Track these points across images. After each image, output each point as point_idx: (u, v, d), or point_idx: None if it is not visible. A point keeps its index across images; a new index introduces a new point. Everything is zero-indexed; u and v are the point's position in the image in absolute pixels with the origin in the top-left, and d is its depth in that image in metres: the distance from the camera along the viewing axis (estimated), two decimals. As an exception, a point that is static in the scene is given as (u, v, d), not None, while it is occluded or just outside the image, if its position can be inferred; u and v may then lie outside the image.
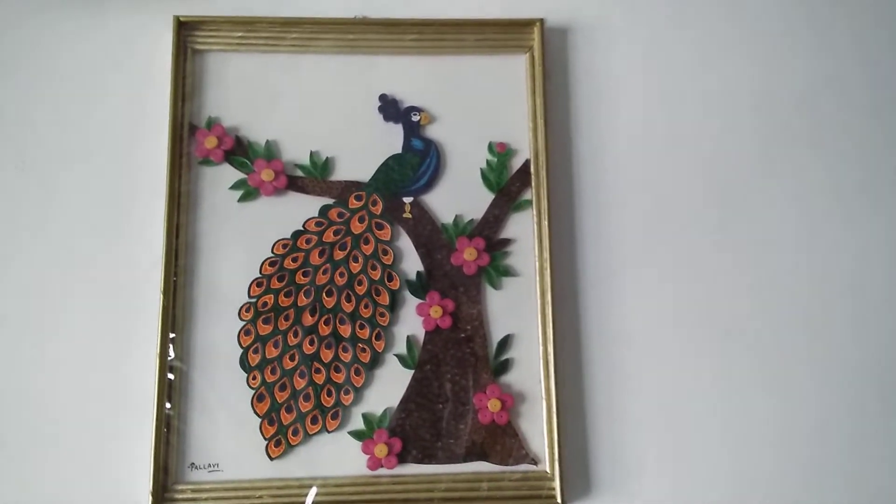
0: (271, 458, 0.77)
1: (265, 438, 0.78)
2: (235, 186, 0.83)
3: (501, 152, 0.86)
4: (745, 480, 0.81)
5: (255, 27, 0.85)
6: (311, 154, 0.84)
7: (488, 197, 0.85)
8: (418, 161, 0.84)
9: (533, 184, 0.85)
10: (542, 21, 0.87)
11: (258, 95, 0.85)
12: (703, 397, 0.83)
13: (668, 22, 0.91)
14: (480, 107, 0.86)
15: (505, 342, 0.81)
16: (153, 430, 0.76)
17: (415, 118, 0.85)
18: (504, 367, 0.81)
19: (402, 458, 0.78)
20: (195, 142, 0.83)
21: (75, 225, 0.82)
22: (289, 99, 0.85)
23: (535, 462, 0.79)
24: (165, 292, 0.79)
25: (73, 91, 0.85)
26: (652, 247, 0.86)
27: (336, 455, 0.78)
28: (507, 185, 0.85)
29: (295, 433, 0.78)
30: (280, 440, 0.78)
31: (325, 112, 0.85)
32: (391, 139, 0.85)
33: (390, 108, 0.86)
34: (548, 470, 0.78)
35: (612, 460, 0.80)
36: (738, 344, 0.84)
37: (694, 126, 0.89)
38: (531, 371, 0.81)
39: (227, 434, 0.78)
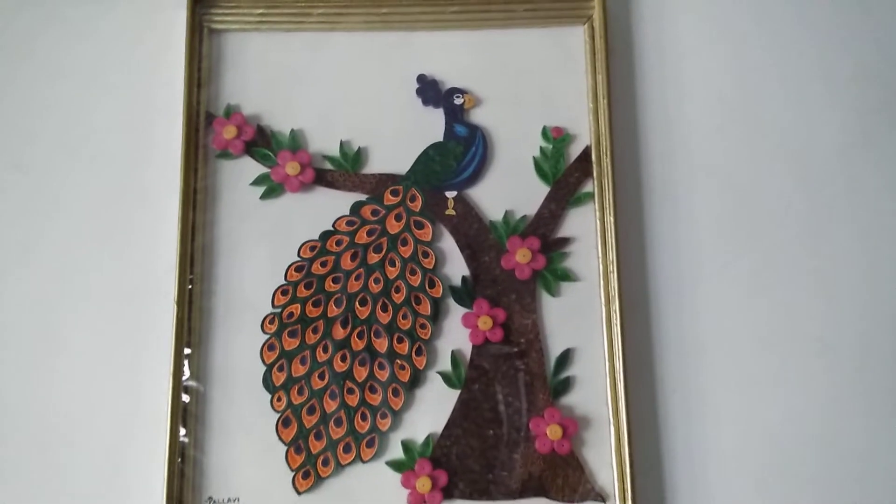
0: (299, 493, 0.68)
1: (292, 469, 0.69)
2: (257, 182, 0.74)
3: (557, 138, 0.74)
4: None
5: (277, 3, 0.76)
6: (342, 144, 0.75)
7: (543, 190, 0.74)
8: (462, 150, 0.74)
9: (595, 174, 0.73)
10: (603, -14, 0.75)
11: (281, 79, 0.76)
12: (795, 421, 0.71)
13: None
14: (532, 87, 0.76)
15: (565, 358, 0.71)
16: (166, 459, 0.67)
17: (458, 101, 0.75)
18: (565, 386, 0.70)
19: (448, 493, 0.68)
20: (212, 132, 0.74)
21: (79, 227, 0.74)
22: (316, 83, 0.76)
23: (602, 498, 0.68)
24: (179, 302, 0.70)
25: (77, 79, 0.77)
26: (733, 247, 0.74)
27: (372, 489, 0.68)
28: (565, 176, 0.74)
29: (325, 463, 0.69)
30: (308, 471, 0.69)
31: (356, 97, 0.76)
32: (431, 126, 0.75)
33: (430, 91, 0.75)
34: (618, 508, 0.67)
35: (692, 495, 0.69)
36: (831, 359, 0.72)
37: (778, 108, 0.77)
38: (596, 391, 0.70)
39: (249, 464, 0.69)
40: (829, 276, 0.74)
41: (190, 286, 0.71)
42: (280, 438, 0.69)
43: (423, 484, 0.68)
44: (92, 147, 0.76)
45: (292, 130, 0.75)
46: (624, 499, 0.67)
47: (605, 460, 0.69)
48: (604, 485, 0.69)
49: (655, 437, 0.70)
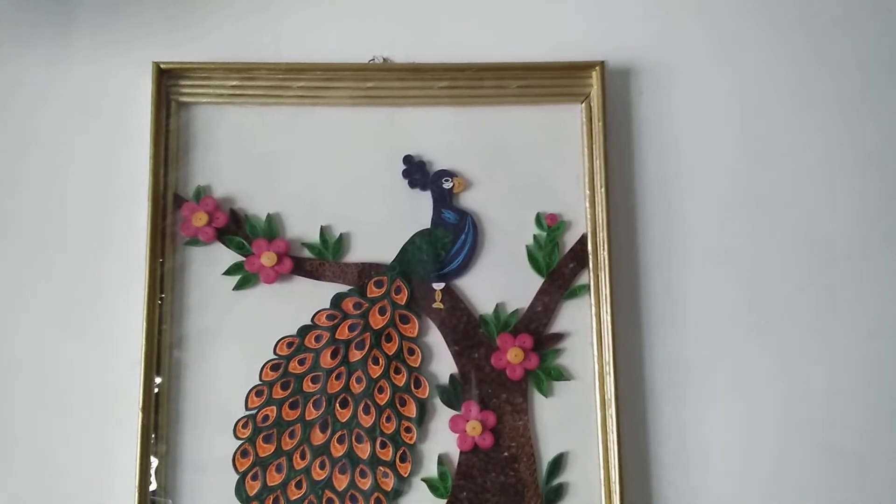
0: None
1: (267, 587, 0.64)
2: (230, 272, 0.69)
3: (552, 226, 0.70)
4: None
5: (252, 75, 0.70)
6: (322, 230, 0.70)
7: (536, 281, 0.70)
8: (451, 238, 0.69)
9: (591, 265, 0.69)
10: (602, 64, 0.71)
11: (257, 158, 0.71)
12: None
13: (755, 64, 0.75)
14: (526, 169, 0.71)
15: (558, 463, 0.67)
16: (130, 581, 0.62)
17: (446, 185, 0.70)
18: (557, 494, 0.67)
19: None
20: (181, 217, 0.69)
21: (35, 320, 0.69)
22: (294, 163, 0.71)
23: None
24: (145, 408, 0.65)
25: (31, 156, 0.71)
26: (737, 345, 0.71)
27: None
28: (560, 267, 0.70)
29: (303, 580, 0.64)
30: (285, 589, 0.64)
31: (338, 178, 0.71)
32: (418, 210, 0.70)
33: (417, 173, 0.71)
34: None
35: None
36: (836, 462, 0.69)
37: (786, 192, 0.73)
38: (591, 499, 0.67)
39: (221, 582, 0.64)
40: (836, 374, 0.70)
41: (156, 389, 0.66)
42: (254, 553, 0.65)
43: None
44: (49, 230, 0.70)
45: (269, 215, 0.70)
46: None
47: (599, 574, 0.66)
48: None
49: (651, 550, 0.67)
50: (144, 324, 0.66)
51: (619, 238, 0.71)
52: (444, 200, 0.71)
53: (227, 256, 0.69)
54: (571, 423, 0.68)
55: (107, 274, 0.69)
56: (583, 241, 0.71)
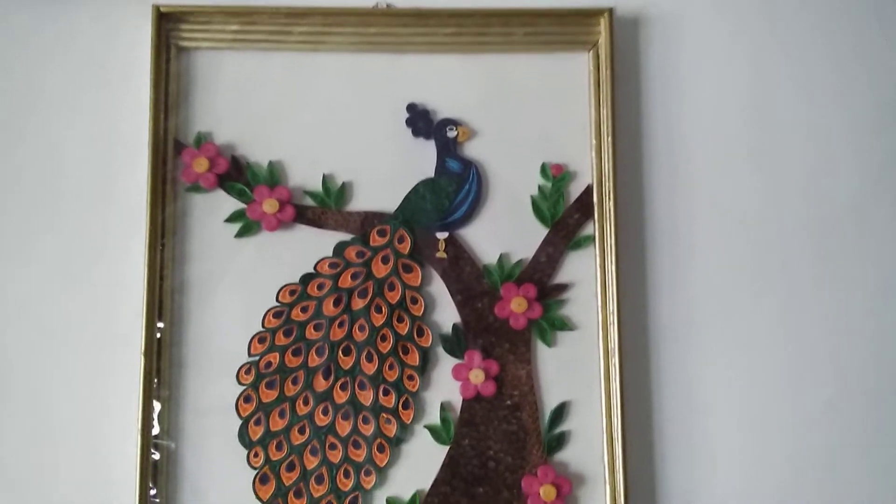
0: (278, 554, 0.64)
1: (270, 530, 0.65)
2: (232, 219, 0.68)
3: (557, 176, 0.69)
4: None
5: (253, 19, 0.69)
6: (324, 179, 0.69)
7: (541, 232, 0.69)
8: (455, 187, 0.69)
9: (596, 216, 0.69)
10: (611, 10, 0.69)
11: (258, 105, 0.70)
12: (803, 484, 0.68)
13: (765, 15, 0.73)
14: (532, 119, 0.70)
15: (560, 412, 0.67)
16: (135, 521, 0.62)
17: (451, 133, 0.69)
18: (559, 442, 0.67)
19: (436, 555, 0.65)
20: (181, 164, 0.68)
21: (36, 269, 0.68)
22: (296, 109, 0.70)
23: (596, 560, 0.65)
24: (147, 353, 0.65)
25: (30, 103, 0.70)
26: (742, 295, 0.70)
27: (356, 550, 0.65)
28: (564, 218, 0.69)
29: (306, 523, 0.65)
30: (288, 532, 0.65)
31: (340, 126, 0.70)
32: (422, 159, 0.69)
33: (421, 121, 0.69)
34: (612, 570, 0.65)
35: (689, 555, 0.67)
36: (840, 419, 0.69)
37: (793, 144, 0.72)
38: (592, 448, 0.67)
39: (225, 525, 0.64)
40: (841, 327, 0.70)
41: (158, 334, 0.66)
42: (257, 497, 0.65)
43: (409, 546, 0.64)
44: (48, 179, 0.69)
45: (270, 163, 0.69)
46: (618, 561, 0.65)
47: (600, 520, 0.66)
48: (597, 547, 0.66)
49: (652, 498, 0.68)
50: (146, 270, 0.66)
51: (625, 189, 0.70)
52: (448, 149, 0.70)
53: (228, 203, 0.68)
54: (574, 373, 0.68)
55: (108, 220, 0.68)
56: (588, 191, 0.70)
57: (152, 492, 0.64)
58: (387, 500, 0.66)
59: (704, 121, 0.72)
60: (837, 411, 0.69)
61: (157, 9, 0.68)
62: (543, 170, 0.70)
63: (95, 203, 0.69)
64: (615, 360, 0.67)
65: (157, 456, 0.65)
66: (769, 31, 0.73)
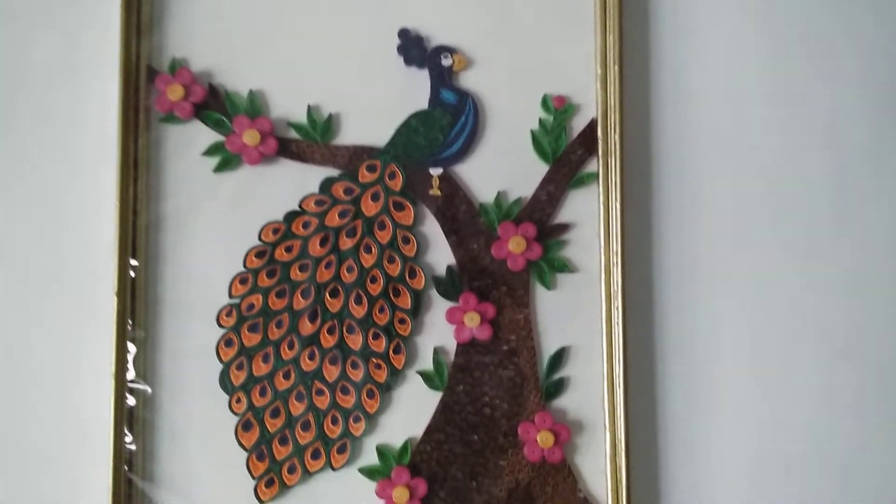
0: (262, 502, 0.62)
1: (254, 477, 0.62)
2: (210, 152, 0.64)
3: (559, 109, 0.65)
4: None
5: (231, -67, 0.63)
6: (310, 110, 0.64)
7: (541, 168, 0.65)
8: (450, 120, 0.64)
9: (600, 151, 0.65)
10: (619, -72, 0.64)
11: (239, 29, 0.65)
12: (807, 430, 0.66)
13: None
14: (533, 47, 0.66)
15: (559, 357, 0.64)
16: (110, 468, 0.60)
17: (446, 62, 0.65)
18: (558, 388, 0.64)
19: (428, 503, 0.62)
20: (155, 91, 0.63)
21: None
22: (279, 34, 0.65)
23: (595, 510, 0.63)
24: (120, 293, 0.61)
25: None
26: (751, 237, 0.67)
27: (344, 499, 0.62)
28: (566, 154, 0.65)
29: (291, 471, 0.62)
30: (273, 479, 0.62)
31: (327, 53, 0.65)
32: (415, 90, 0.65)
33: (413, 49, 0.65)
34: (611, 519, 0.62)
35: (690, 505, 0.64)
36: (854, 363, 0.66)
37: (809, 80, 0.68)
38: (592, 395, 0.64)
39: (206, 472, 0.62)
40: (856, 272, 0.67)
41: (132, 273, 0.62)
42: (240, 444, 0.62)
43: (400, 494, 0.62)
44: (9, 105, 0.64)
45: (251, 91, 0.64)
46: (617, 510, 0.62)
47: (599, 468, 0.63)
48: (597, 495, 0.63)
49: (654, 445, 0.65)
50: (118, 204, 0.61)
51: (632, 122, 0.66)
52: (443, 79, 0.65)
53: (205, 135, 0.64)
54: (574, 317, 0.65)
55: (76, 152, 0.64)
56: (592, 125, 0.66)
57: (128, 438, 0.61)
58: (377, 448, 0.63)
59: (717, 49, 0.67)
60: (854, 359, 0.66)
61: (125, -80, 0.62)
62: (545, 102, 0.66)
63: (62, 133, 0.64)
64: (618, 304, 0.63)
65: (132, 401, 0.61)
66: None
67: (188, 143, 0.63)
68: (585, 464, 0.64)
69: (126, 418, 0.61)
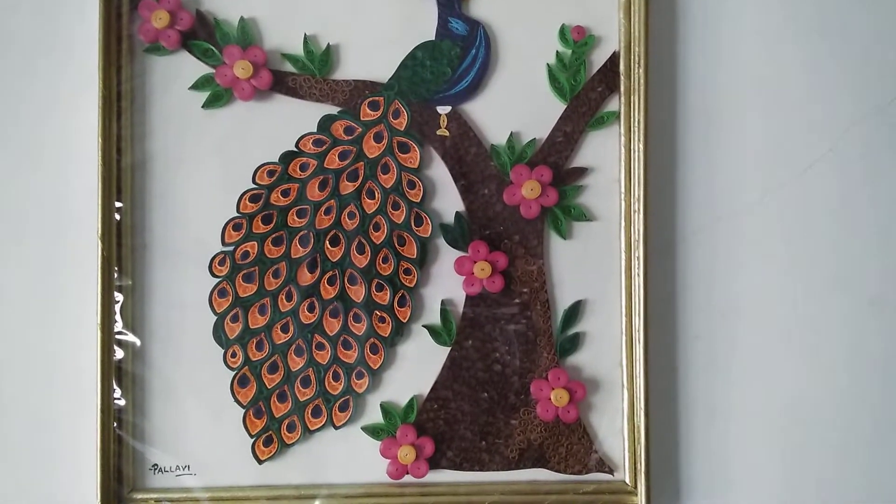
0: (260, 461, 0.58)
1: (251, 435, 0.58)
2: (198, 86, 0.59)
3: (578, 41, 0.60)
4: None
5: None
6: (306, 40, 0.59)
7: (558, 107, 0.60)
8: (459, 53, 0.59)
9: (622, 88, 0.59)
10: None
11: (227, -51, 0.59)
12: (835, 390, 0.62)
13: None
14: (550, -28, 0.60)
15: (575, 311, 0.60)
16: (98, 424, 0.56)
17: (455, -12, 0.59)
18: (573, 344, 0.60)
19: (435, 464, 0.59)
20: (138, 17, 0.58)
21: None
22: (272, -44, 0.59)
23: (610, 471, 0.59)
24: (105, 237, 0.57)
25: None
26: (779, 183, 0.63)
27: (346, 458, 0.59)
28: (585, 90, 0.60)
29: (291, 428, 0.59)
30: (271, 437, 0.59)
31: (324, -23, 0.59)
32: (420, 19, 0.60)
33: (420, -27, 0.59)
34: (628, 481, 0.59)
35: (710, 468, 0.62)
36: (881, 321, 0.62)
37: (843, 22, 0.62)
38: (609, 351, 0.60)
39: (200, 429, 0.59)
40: (886, 223, 0.62)
41: (117, 216, 0.57)
42: (236, 400, 0.59)
43: (406, 453, 0.58)
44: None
45: (242, 19, 0.59)
46: (635, 471, 0.59)
47: (616, 427, 0.60)
48: (613, 456, 0.60)
49: (672, 404, 0.61)
50: (100, 141, 0.57)
51: (657, 57, 0.61)
52: (452, 7, 0.60)
53: (194, 67, 0.59)
54: (592, 268, 0.60)
55: (55, 85, 0.59)
56: (614, 59, 0.60)
57: (116, 393, 0.57)
58: (381, 405, 0.59)
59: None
60: (888, 309, 0.62)
61: None
62: (562, 33, 0.60)
63: (40, 65, 0.59)
64: (639, 254, 0.59)
65: (120, 354, 0.57)
66: None
67: (175, 75, 0.59)
68: (602, 424, 0.60)
69: (114, 372, 0.57)
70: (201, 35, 0.59)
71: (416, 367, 0.60)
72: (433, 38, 0.60)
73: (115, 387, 0.57)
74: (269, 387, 0.59)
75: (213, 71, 0.58)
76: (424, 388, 0.60)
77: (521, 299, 0.60)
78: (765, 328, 0.62)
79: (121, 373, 0.57)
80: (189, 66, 0.59)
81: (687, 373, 0.62)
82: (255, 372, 0.59)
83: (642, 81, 0.59)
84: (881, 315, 0.62)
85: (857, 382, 0.62)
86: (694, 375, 0.62)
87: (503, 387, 0.60)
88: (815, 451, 0.62)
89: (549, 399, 0.59)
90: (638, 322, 0.59)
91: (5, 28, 0.59)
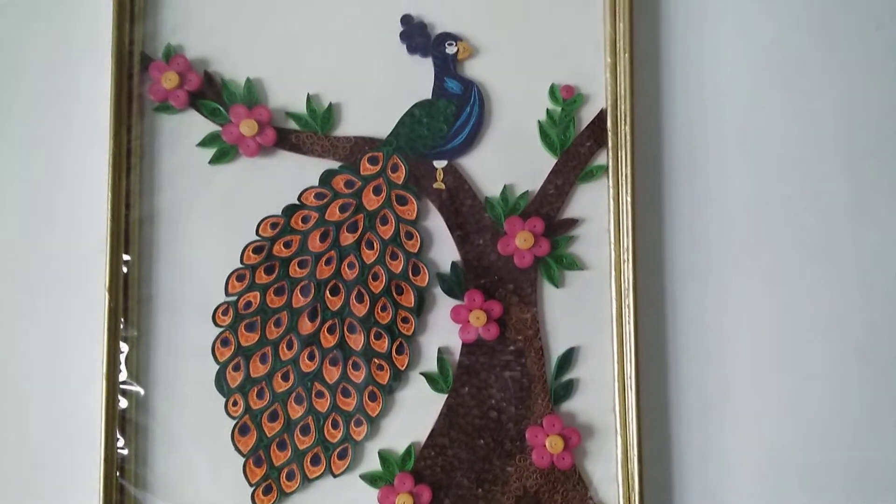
0: (259, 509, 0.59)
1: (251, 484, 0.59)
2: (206, 143, 0.61)
3: (567, 99, 0.63)
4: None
5: (228, -84, 0.61)
6: (309, 99, 0.62)
7: (549, 161, 0.63)
8: (455, 110, 0.62)
9: (610, 143, 0.62)
10: (630, -89, 0.62)
11: (236, 15, 0.62)
12: (823, 433, 0.63)
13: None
14: (540, 35, 0.63)
15: (568, 358, 0.62)
16: (100, 474, 0.57)
17: (450, 50, 0.62)
18: (567, 391, 0.62)
19: (432, 511, 0.59)
20: (149, 79, 0.61)
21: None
22: (278, 21, 0.63)
23: (606, 516, 0.60)
24: (112, 289, 0.58)
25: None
26: (763, 234, 0.65)
27: (345, 506, 0.59)
28: (575, 146, 0.63)
29: (290, 477, 0.59)
30: (271, 486, 0.59)
31: (327, 40, 0.63)
32: (418, 79, 0.63)
33: (417, 36, 0.62)
34: (623, 527, 0.60)
35: (705, 512, 0.62)
36: (867, 363, 0.64)
37: (825, 68, 0.65)
38: (603, 397, 0.61)
39: (201, 478, 0.59)
40: (870, 270, 0.65)
41: (125, 269, 0.59)
42: (237, 449, 0.59)
43: (404, 501, 0.59)
44: (2, 91, 0.62)
45: (248, 80, 0.62)
46: (629, 517, 0.60)
47: (610, 474, 0.61)
48: (607, 502, 0.61)
49: (667, 451, 0.63)
50: (110, 196, 0.59)
51: (642, 114, 0.64)
52: (448, 68, 0.63)
53: (201, 125, 0.61)
54: (584, 316, 0.62)
55: (68, 142, 0.62)
56: (601, 116, 0.63)
57: (119, 443, 0.58)
58: (379, 453, 0.60)
59: (730, 38, 0.65)
60: (869, 355, 0.64)
61: None
62: (552, 92, 0.63)
63: (54, 122, 0.62)
64: (629, 302, 0.61)
65: (124, 403, 0.59)
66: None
67: (183, 133, 0.61)
68: (596, 470, 0.61)
69: (118, 421, 0.58)
70: (209, 95, 0.61)
71: (414, 414, 0.61)
72: (430, 97, 0.63)
73: (118, 436, 0.58)
74: (269, 435, 0.60)
75: (220, 129, 0.61)
76: (422, 436, 0.61)
77: (515, 346, 0.62)
78: (754, 375, 0.64)
79: (124, 422, 0.58)
80: (197, 124, 0.61)
81: (679, 419, 0.63)
82: (255, 420, 0.60)
83: (628, 137, 0.62)
84: (865, 362, 0.64)
85: (842, 427, 0.64)
86: (686, 421, 0.63)
87: (499, 433, 0.61)
88: (803, 495, 0.63)
89: (545, 446, 0.60)
90: (629, 368, 0.61)
91: (24, 86, 0.62)
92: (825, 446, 0.63)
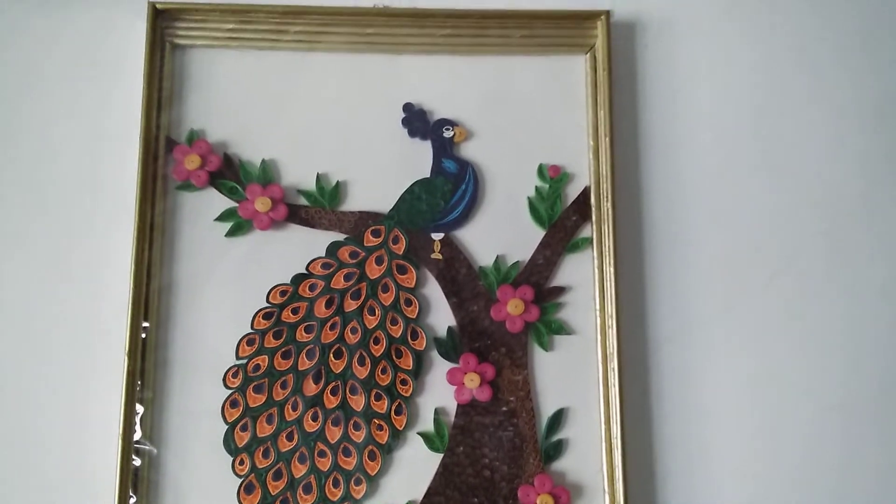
0: (262, 567, 0.61)
1: (255, 541, 0.62)
2: (223, 217, 0.67)
3: (554, 177, 0.69)
4: None
5: (249, 17, 0.68)
6: (318, 178, 0.68)
7: (538, 234, 0.68)
8: (451, 187, 0.68)
9: (593, 218, 0.68)
10: (608, 13, 0.69)
11: (252, 103, 0.69)
12: (810, 492, 0.66)
13: (762, 19, 0.73)
14: (529, 120, 0.70)
15: (558, 419, 0.65)
16: (112, 531, 0.59)
17: (447, 134, 0.68)
18: (557, 450, 0.65)
19: (428, 569, 0.62)
20: (173, 160, 0.67)
21: (19, 263, 0.66)
22: (290, 108, 0.69)
23: (596, 575, 0.62)
24: (131, 353, 0.62)
25: (22, 96, 0.69)
26: (745, 297, 0.69)
27: (344, 563, 0.62)
28: (562, 220, 0.68)
29: (292, 534, 0.62)
30: (274, 543, 0.62)
31: (335, 125, 0.69)
32: (418, 160, 0.69)
33: (417, 121, 0.69)
34: (612, 586, 0.62)
35: (692, 570, 0.64)
36: (848, 423, 0.67)
37: (792, 147, 0.71)
38: (590, 457, 0.65)
39: (207, 535, 0.61)
40: (850, 331, 0.69)
41: (143, 334, 0.64)
42: (242, 506, 0.62)
43: (401, 558, 0.61)
44: (38, 170, 0.68)
45: (263, 161, 0.68)
46: (618, 576, 0.62)
47: (599, 532, 0.64)
48: (597, 560, 0.63)
49: (653, 508, 0.65)
50: (132, 267, 0.64)
51: (623, 191, 0.69)
52: (445, 150, 0.69)
53: (219, 202, 0.67)
54: (572, 378, 0.66)
55: (96, 217, 0.67)
56: (586, 193, 0.69)
57: (132, 499, 0.61)
58: (377, 511, 0.63)
59: (702, 123, 0.72)
60: (849, 415, 0.67)
61: (152, 6, 0.67)
62: (540, 171, 0.69)
63: (84, 199, 0.67)
64: (614, 366, 0.65)
65: (138, 462, 0.62)
66: (766, 34, 0.73)
67: (202, 209, 0.67)
68: (585, 528, 0.64)
69: (131, 479, 0.61)
70: (227, 175, 0.67)
71: (411, 473, 0.64)
72: (428, 176, 0.69)
73: (131, 493, 0.61)
74: (273, 493, 0.63)
75: (237, 205, 0.67)
76: (419, 494, 0.64)
77: (507, 407, 0.65)
78: (736, 434, 0.67)
79: (137, 479, 0.61)
80: (215, 201, 0.67)
81: (664, 478, 0.66)
82: (260, 479, 0.63)
83: (610, 212, 0.67)
84: (845, 420, 0.67)
85: (822, 484, 0.66)
86: (671, 480, 0.66)
87: (492, 492, 0.64)
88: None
89: (536, 504, 0.63)
90: (616, 429, 0.64)
91: (58, 166, 0.68)
92: (806, 502, 0.66)
